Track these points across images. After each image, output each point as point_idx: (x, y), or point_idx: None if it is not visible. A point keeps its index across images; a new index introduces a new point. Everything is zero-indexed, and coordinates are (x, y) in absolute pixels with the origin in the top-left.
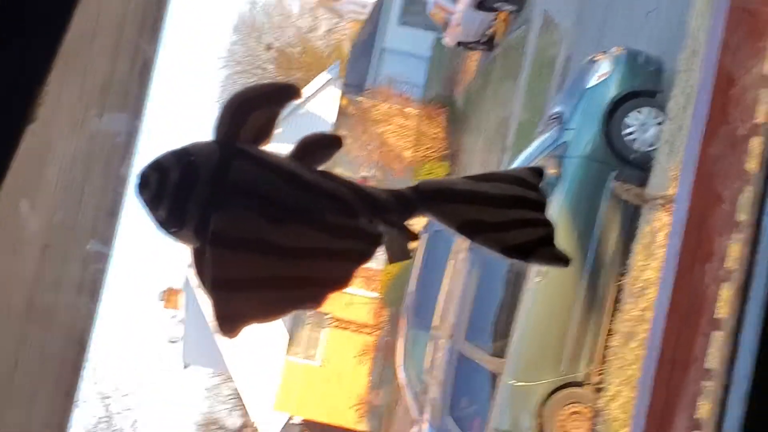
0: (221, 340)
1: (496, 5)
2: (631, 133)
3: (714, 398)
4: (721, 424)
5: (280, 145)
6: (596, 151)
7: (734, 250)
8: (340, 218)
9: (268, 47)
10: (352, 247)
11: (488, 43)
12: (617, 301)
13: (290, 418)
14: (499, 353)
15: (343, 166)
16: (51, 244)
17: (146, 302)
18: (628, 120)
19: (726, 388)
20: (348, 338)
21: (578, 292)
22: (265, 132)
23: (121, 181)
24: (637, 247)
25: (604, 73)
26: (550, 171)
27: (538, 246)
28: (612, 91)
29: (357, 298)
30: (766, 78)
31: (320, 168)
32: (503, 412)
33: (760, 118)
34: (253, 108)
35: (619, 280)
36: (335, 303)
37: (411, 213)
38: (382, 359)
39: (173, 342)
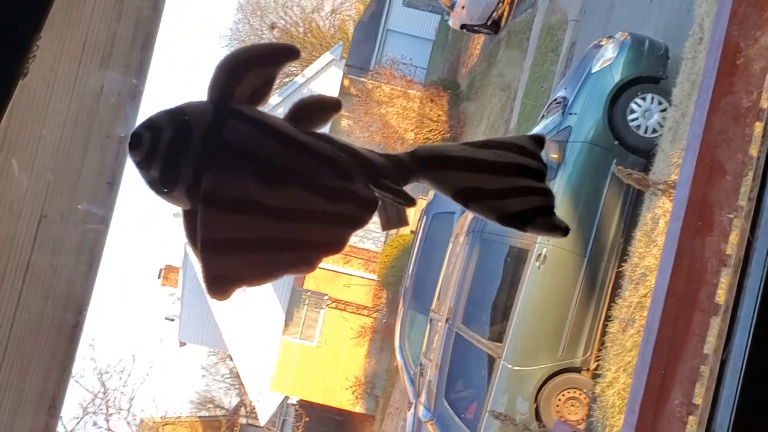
0: (219, 318)
1: None
2: (634, 119)
3: (711, 372)
4: (715, 408)
5: None
6: (599, 136)
7: (732, 239)
8: (336, 181)
9: (272, 26)
10: (347, 211)
11: (493, 27)
12: (617, 287)
13: (286, 398)
14: (497, 337)
15: None
16: (47, 204)
17: (144, 279)
18: (632, 106)
19: (723, 363)
20: (346, 319)
21: (578, 277)
22: (261, 93)
23: (121, 142)
24: (638, 234)
25: (608, 59)
26: (552, 156)
27: (537, 215)
28: (616, 77)
29: (356, 279)
30: None
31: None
32: (500, 395)
33: (764, 91)
34: (249, 68)
35: (619, 267)
36: (334, 284)
37: (408, 178)
38: (379, 341)
39: (170, 320)
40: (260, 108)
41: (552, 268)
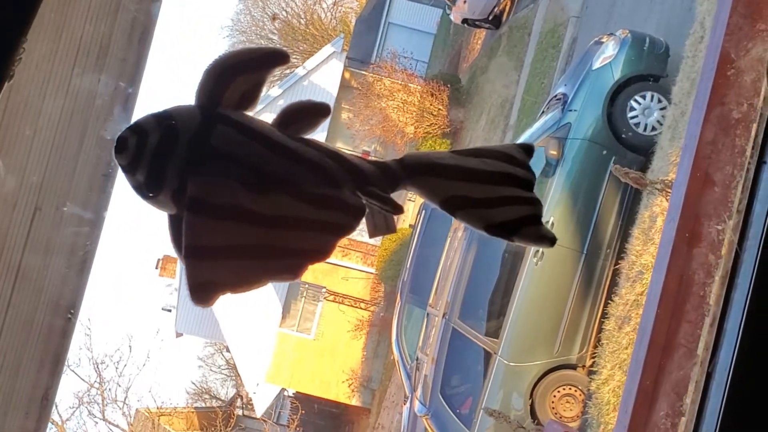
0: (216, 309)
1: None
2: (634, 117)
3: (696, 385)
4: (702, 410)
5: None
6: (598, 133)
7: (724, 238)
8: (323, 188)
9: (274, 17)
10: (334, 218)
11: (494, 22)
12: (613, 284)
13: (283, 390)
14: (494, 333)
15: (344, 139)
16: (37, 206)
17: (142, 270)
18: (631, 103)
19: (709, 375)
20: (343, 312)
21: (575, 274)
22: (250, 98)
23: (112, 145)
24: (636, 232)
25: (608, 56)
26: (551, 152)
27: (524, 224)
28: (616, 74)
29: (354, 272)
30: (763, 61)
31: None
32: (495, 391)
33: (755, 102)
34: (238, 73)
35: (617, 264)
36: (332, 277)
37: (395, 186)
38: (376, 335)
39: (167, 310)
40: (249, 113)
41: (549, 265)
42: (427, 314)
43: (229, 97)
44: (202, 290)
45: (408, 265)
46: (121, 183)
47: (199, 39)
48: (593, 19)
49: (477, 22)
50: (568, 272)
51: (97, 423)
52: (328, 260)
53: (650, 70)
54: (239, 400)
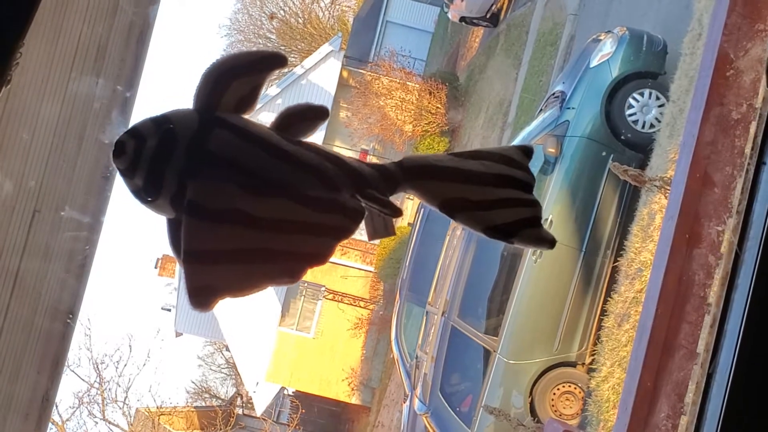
0: (217, 309)
1: None
2: (632, 114)
3: (697, 385)
4: (703, 411)
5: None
6: (596, 131)
7: (724, 237)
8: (322, 192)
9: (271, 16)
10: (333, 221)
11: (492, 20)
12: (612, 282)
13: (283, 389)
14: (493, 331)
15: (342, 138)
16: (36, 211)
17: (141, 269)
18: (629, 101)
19: (709, 376)
20: (342, 311)
21: (574, 272)
22: (247, 101)
23: (110, 149)
24: (635, 229)
25: (606, 53)
26: (550, 150)
27: (523, 227)
28: (614, 72)
29: (353, 271)
30: (762, 61)
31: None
32: (495, 389)
33: (754, 102)
34: (235, 76)
35: (616, 261)
36: (331, 275)
37: (394, 188)
38: (376, 333)
39: (167, 310)
40: (246, 116)
41: (548, 262)
42: (427, 312)
43: (227, 101)
44: (202, 295)
45: (407, 264)
46: (120, 183)
47: (196, 38)
48: (591, 17)
49: (475, 21)
50: (567, 270)
51: (97, 423)
52: None
53: (648, 67)
54: (239, 399)
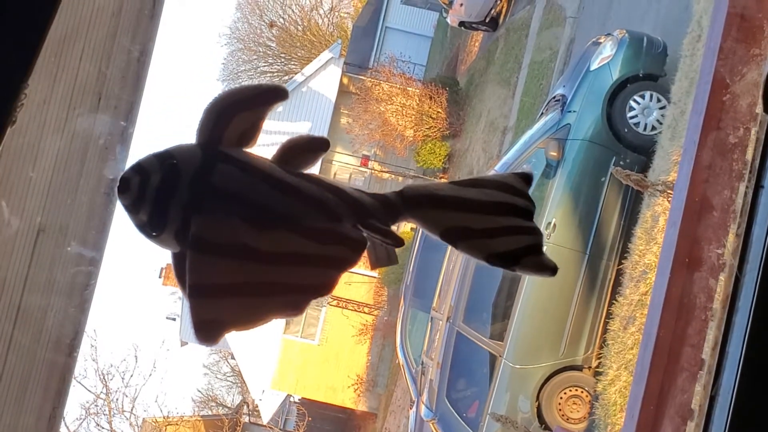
0: None
1: None
2: (633, 117)
3: (700, 408)
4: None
5: (279, 123)
6: (598, 134)
7: (729, 240)
8: (324, 223)
9: (271, 25)
10: (336, 253)
11: (491, 24)
12: (617, 284)
13: (289, 396)
14: (498, 336)
15: (344, 144)
16: (37, 246)
17: (145, 279)
18: (630, 103)
19: (712, 399)
20: (347, 317)
21: (579, 275)
22: (249, 135)
23: (111, 184)
24: (639, 231)
25: (606, 56)
26: (552, 154)
27: (525, 254)
28: (614, 74)
29: (357, 277)
30: (758, 85)
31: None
32: (501, 394)
33: (751, 126)
34: (237, 111)
35: (620, 264)
36: None
37: (396, 218)
38: (381, 339)
39: (172, 319)
40: (249, 149)
41: None
42: (431, 318)
43: (230, 135)
44: (208, 329)
45: (411, 269)
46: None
47: (196, 47)
48: (590, 20)
49: (474, 25)
50: (571, 273)
51: None
52: None
53: (648, 69)
54: (245, 407)
